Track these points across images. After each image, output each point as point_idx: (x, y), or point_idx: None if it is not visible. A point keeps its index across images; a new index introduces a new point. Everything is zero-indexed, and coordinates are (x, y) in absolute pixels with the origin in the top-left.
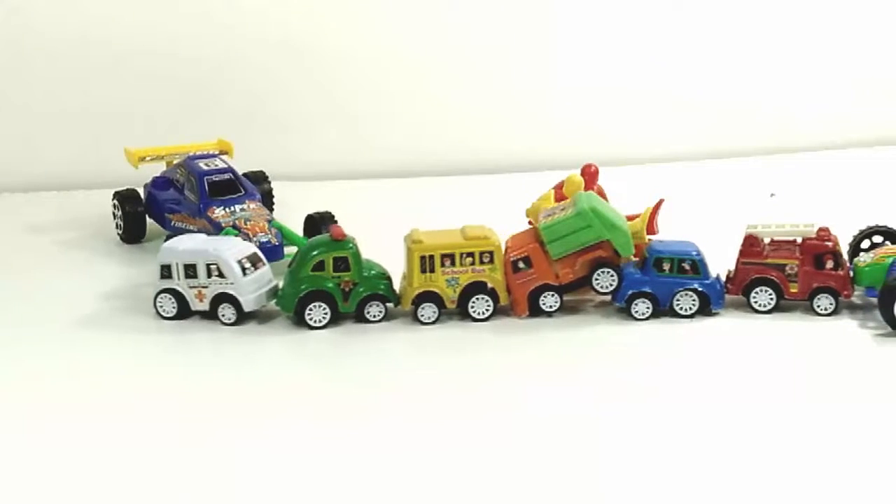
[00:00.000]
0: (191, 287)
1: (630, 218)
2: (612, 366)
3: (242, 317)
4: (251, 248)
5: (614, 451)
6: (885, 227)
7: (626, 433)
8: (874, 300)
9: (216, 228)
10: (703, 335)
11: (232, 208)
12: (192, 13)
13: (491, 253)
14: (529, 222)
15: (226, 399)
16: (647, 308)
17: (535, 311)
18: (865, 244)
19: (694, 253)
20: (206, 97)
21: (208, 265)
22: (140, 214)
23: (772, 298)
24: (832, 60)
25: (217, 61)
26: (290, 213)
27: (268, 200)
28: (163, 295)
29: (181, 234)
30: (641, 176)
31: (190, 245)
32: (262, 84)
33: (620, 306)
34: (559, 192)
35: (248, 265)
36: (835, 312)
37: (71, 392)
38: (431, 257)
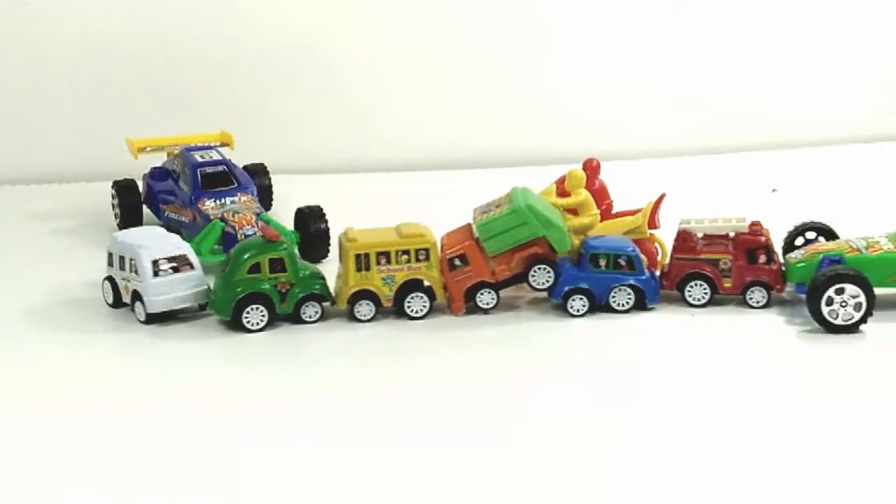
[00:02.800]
0: (122, 279)
1: (630, 213)
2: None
3: (153, 317)
4: (181, 251)
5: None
6: (819, 223)
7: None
8: (803, 297)
9: (205, 220)
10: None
11: (222, 200)
12: (194, 4)
13: (426, 250)
14: None
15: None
16: (584, 304)
17: (472, 308)
18: (806, 238)
19: (630, 249)
20: (211, 89)
21: (130, 260)
22: (136, 205)
23: (706, 293)
24: (833, 55)
25: (220, 53)
26: (291, 206)
27: (266, 193)
28: (105, 282)
29: (174, 224)
30: (643, 171)
31: (129, 238)
32: (267, 77)
33: (557, 302)
34: (561, 187)
35: (164, 266)
36: (766, 306)
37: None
38: (367, 255)
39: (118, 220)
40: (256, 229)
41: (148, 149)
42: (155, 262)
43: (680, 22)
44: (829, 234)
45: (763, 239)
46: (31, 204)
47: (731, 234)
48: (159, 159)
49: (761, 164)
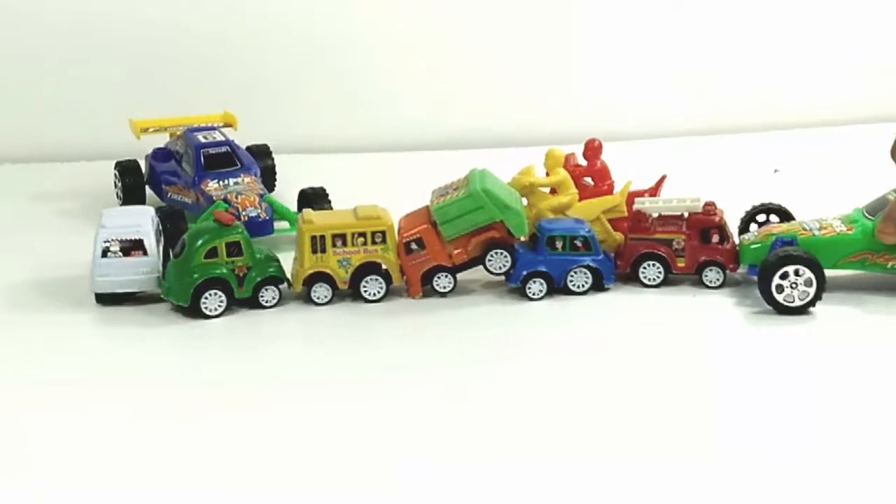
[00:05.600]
0: None
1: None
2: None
3: (102, 298)
4: (139, 235)
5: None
6: (774, 204)
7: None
8: (755, 278)
9: (208, 201)
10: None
11: (225, 181)
12: None
13: (383, 233)
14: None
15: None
16: (542, 288)
17: (429, 291)
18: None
19: (585, 230)
20: (214, 69)
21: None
22: (139, 185)
23: (660, 273)
24: (834, 37)
25: (224, 33)
26: (295, 187)
27: (270, 174)
28: None
29: (177, 205)
30: (645, 151)
31: (105, 216)
32: (270, 58)
33: (514, 286)
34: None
35: (115, 249)
36: (722, 286)
37: None
38: (322, 237)
39: (121, 201)
40: (259, 210)
41: (151, 130)
42: (106, 243)
43: (682, 4)
44: (785, 216)
45: (716, 218)
46: (34, 183)
47: (686, 215)
48: (162, 140)
49: (763, 144)
